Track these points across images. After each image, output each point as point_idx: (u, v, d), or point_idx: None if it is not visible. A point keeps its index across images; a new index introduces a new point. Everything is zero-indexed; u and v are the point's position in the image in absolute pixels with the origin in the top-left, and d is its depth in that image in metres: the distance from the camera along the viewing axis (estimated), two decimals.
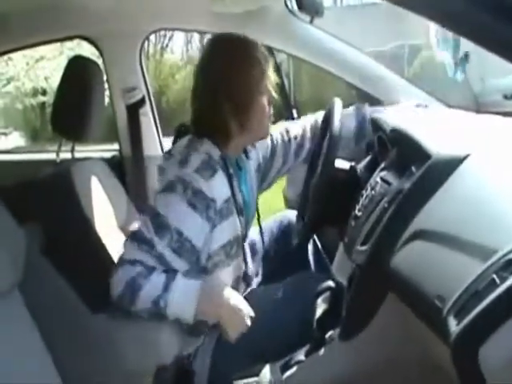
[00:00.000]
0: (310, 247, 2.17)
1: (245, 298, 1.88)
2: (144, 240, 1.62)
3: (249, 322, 1.66)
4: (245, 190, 1.88)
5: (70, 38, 2.92)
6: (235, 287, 1.81)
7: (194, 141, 1.76)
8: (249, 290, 2.00)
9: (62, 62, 2.41)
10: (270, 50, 3.16)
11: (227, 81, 1.73)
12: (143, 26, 2.67)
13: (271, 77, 1.78)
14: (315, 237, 2.18)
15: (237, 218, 1.78)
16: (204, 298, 1.63)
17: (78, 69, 2.13)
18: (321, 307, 1.50)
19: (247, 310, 1.67)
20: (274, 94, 1.80)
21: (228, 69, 1.73)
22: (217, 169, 1.70)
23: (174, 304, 1.61)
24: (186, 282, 1.64)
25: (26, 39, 2.65)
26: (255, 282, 2.09)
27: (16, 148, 10.24)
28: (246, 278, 1.92)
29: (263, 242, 2.09)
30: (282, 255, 2.02)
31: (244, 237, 1.85)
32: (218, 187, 1.69)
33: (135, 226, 1.68)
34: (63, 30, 2.62)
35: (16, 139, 12.30)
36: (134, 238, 1.64)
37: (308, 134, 2.07)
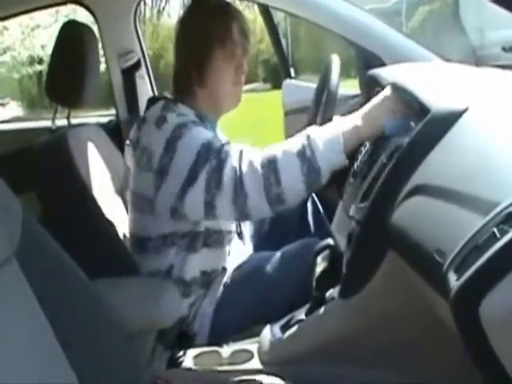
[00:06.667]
0: (309, 206, 2.17)
1: (245, 261, 1.90)
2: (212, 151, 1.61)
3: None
4: None
5: (64, 3, 2.88)
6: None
7: (167, 104, 1.78)
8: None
9: (58, 30, 2.40)
10: (267, 9, 3.14)
11: (189, 33, 1.82)
12: None
13: (244, 46, 1.83)
14: (314, 195, 2.17)
15: None
16: (344, 125, 1.52)
17: (71, 34, 2.11)
18: (320, 266, 1.50)
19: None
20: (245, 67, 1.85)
21: (191, 22, 1.84)
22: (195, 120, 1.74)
23: (321, 150, 1.50)
24: (318, 134, 1.54)
25: (19, 5, 2.63)
26: (251, 243, 2.11)
27: (14, 118, 10.21)
28: None
29: None
30: (282, 214, 2.02)
31: None
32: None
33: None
34: None
35: (14, 109, 12.25)
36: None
37: None
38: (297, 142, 1.54)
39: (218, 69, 1.80)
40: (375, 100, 1.52)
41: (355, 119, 1.53)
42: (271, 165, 1.52)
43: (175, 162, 1.64)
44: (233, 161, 1.57)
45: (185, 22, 1.88)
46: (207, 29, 1.79)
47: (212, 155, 1.59)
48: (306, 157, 1.51)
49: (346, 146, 1.51)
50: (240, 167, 1.55)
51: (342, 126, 1.53)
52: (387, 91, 1.50)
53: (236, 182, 1.55)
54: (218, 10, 1.83)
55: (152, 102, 1.85)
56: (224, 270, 1.90)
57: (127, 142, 1.86)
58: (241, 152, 1.58)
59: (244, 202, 1.56)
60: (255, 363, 1.53)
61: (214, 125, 1.91)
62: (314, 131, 1.55)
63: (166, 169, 1.65)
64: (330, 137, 1.52)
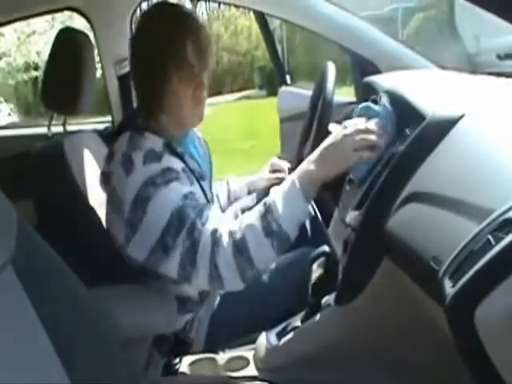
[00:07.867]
0: None
1: None
2: (189, 226, 1.56)
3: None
4: (197, 157, 1.88)
5: (60, 10, 2.88)
6: None
7: (133, 137, 1.71)
8: None
9: (54, 36, 2.40)
10: (263, 16, 3.15)
11: (141, 59, 1.73)
12: None
13: (203, 63, 1.69)
14: (312, 202, 2.17)
15: (198, 187, 1.75)
16: (305, 183, 1.51)
17: (67, 40, 2.11)
18: (316, 272, 1.50)
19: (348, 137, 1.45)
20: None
21: (142, 47, 1.71)
22: (162, 155, 1.67)
23: (284, 213, 1.50)
24: (276, 193, 1.54)
25: (15, 12, 2.63)
26: None
27: (10, 124, 10.21)
28: None
29: None
30: None
31: (209, 201, 1.84)
32: (170, 163, 1.66)
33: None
34: (53, 0, 2.59)
35: (10, 115, 12.26)
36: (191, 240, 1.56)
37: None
38: (260, 217, 1.53)
39: (175, 93, 1.69)
40: (328, 142, 1.50)
41: (312, 171, 1.51)
42: (244, 254, 1.53)
43: (145, 225, 1.61)
44: (206, 245, 1.55)
45: (135, 48, 1.74)
46: (159, 54, 1.66)
47: (184, 230, 1.56)
48: (273, 232, 1.51)
49: (308, 200, 1.53)
50: (214, 254, 1.54)
51: (299, 182, 1.51)
52: (340, 130, 1.49)
53: (211, 269, 1.55)
54: (168, 31, 1.66)
55: (122, 128, 1.79)
56: None
57: (101, 171, 1.82)
58: (213, 234, 1.55)
59: (220, 283, 1.58)
60: (251, 370, 1.53)
61: (185, 139, 1.86)
62: (273, 197, 1.54)
63: (136, 226, 1.62)
64: (290, 197, 1.52)
